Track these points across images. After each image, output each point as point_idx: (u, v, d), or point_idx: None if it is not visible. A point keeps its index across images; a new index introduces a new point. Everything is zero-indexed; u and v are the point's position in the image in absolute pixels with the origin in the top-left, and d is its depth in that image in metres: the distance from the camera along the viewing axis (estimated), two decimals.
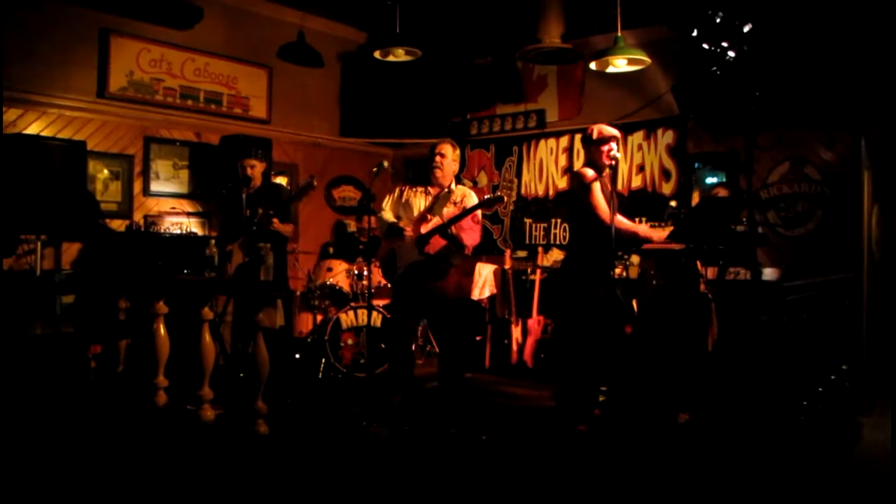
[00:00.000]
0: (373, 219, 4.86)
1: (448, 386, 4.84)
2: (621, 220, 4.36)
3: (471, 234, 4.67)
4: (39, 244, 5.30)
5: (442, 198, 4.71)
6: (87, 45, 5.98)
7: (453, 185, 4.83)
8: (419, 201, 4.81)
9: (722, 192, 5.86)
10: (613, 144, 4.32)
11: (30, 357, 4.11)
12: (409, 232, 4.68)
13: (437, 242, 4.62)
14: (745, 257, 4.72)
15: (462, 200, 4.76)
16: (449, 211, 4.68)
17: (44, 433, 3.92)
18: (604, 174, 4.37)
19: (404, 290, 4.79)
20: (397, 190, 4.96)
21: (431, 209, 4.70)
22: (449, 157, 4.80)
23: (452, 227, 4.56)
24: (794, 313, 4.28)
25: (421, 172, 4.99)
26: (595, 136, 4.36)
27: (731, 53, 4.81)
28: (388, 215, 4.85)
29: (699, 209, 5.28)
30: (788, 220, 5.71)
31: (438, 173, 4.78)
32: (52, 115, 5.76)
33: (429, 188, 4.84)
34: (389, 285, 5.00)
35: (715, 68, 4.92)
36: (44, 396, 4.27)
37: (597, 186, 4.26)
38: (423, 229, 4.63)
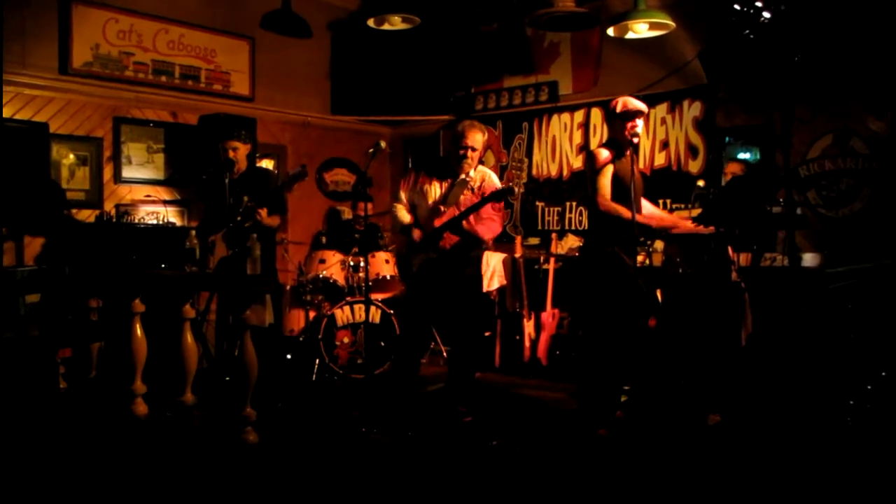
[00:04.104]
0: (369, 205, 4.85)
1: (457, 388, 4.84)
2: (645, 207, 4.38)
3: (489, 226, 4.62)
4: None
5: (458, 185, 4.64)
6: (47, 15, 5.91)
7: (472, 171, 4.73)
8: (434, 189, 4.73)
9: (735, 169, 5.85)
10: (639, 121, 4.37)
11: None
12: (417, 233, 4.64)
13: (453, 237, 4.59)
14: (781, 241, 4.69)
15: (482, 185, 4.70)
16: (466, 199, 4.64)
17: (8, 449, 3.92)
18: (626, 153, 4.37)
19: (418, 291, 4.77)
20: (412, 176, 4.87)
21: (445, 199, 4.64)
22: (479, 148, 4.69)
23: (470, 219, 4.52)
24: (838, 303, 4.25)
25: (432, 157, 4.89)
26: (619, 108, 4.38)
27: (767, 14, 4.78)
28: (402, 213, 4.78)
29: (730, 189, 5.26)
30: (831, 199, 5.68)
31: (466, 166, 4.67)
32: (9, 94, 5.69)
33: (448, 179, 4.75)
34: (404, 284, 4.94)
35: (748, 31, 4.89)
36: (7, 408, 4.27)
37: (609, 171, 4.29)
38: (437, 222, 4.60)
